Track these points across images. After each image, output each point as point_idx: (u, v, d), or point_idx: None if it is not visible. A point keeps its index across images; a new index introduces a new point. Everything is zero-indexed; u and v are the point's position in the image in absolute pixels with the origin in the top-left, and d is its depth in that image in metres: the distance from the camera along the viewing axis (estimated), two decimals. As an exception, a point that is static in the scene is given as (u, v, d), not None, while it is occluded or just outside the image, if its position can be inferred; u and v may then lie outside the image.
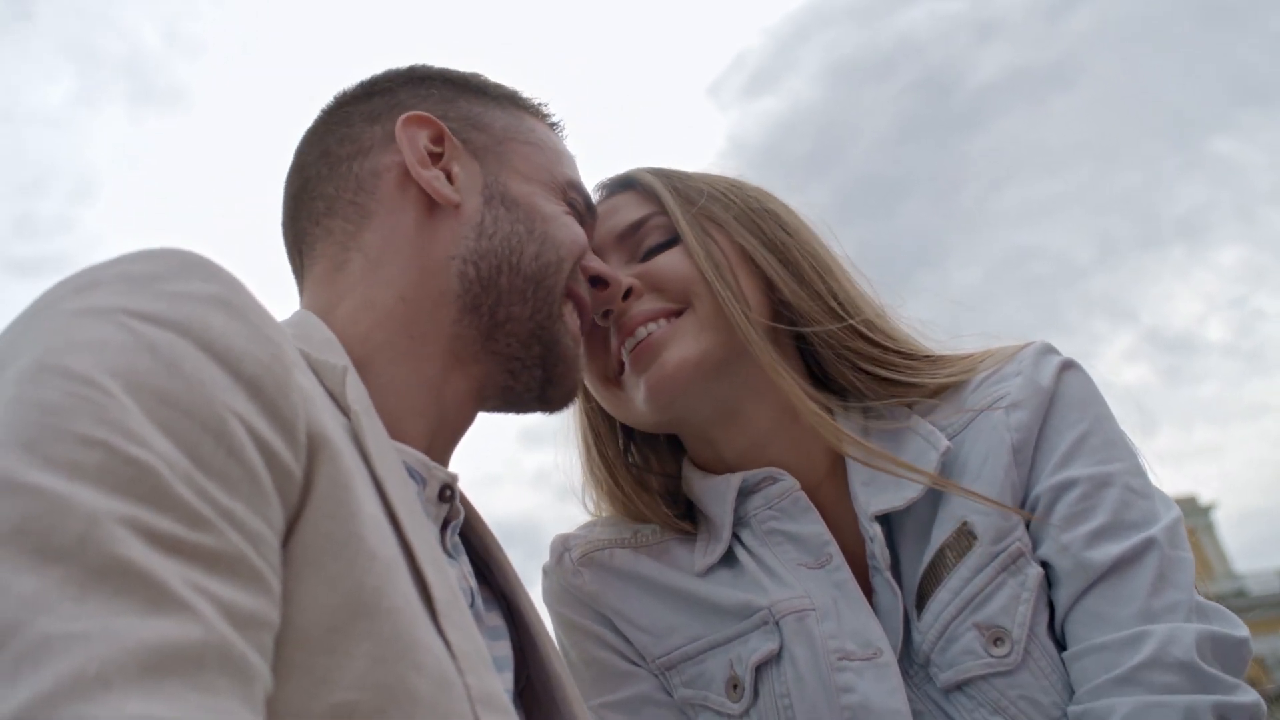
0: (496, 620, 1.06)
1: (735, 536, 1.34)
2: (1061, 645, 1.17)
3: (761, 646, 1.23)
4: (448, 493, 1.00)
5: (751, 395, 1.31)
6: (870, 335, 1.32)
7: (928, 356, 1.35)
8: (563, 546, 1.43)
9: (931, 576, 1.21)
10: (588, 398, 1.46)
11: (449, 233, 1.06)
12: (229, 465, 0.62)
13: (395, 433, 0.95)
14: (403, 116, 1.08)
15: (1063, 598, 1.16)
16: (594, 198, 1.44)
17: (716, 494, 1.34)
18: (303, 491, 0.69)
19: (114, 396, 0.59)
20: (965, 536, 1.20)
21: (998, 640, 1.15)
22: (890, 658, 1.19)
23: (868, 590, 1.26)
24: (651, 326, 1.29)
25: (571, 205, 1.18)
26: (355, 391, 0.86)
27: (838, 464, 1.32)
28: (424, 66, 1.18)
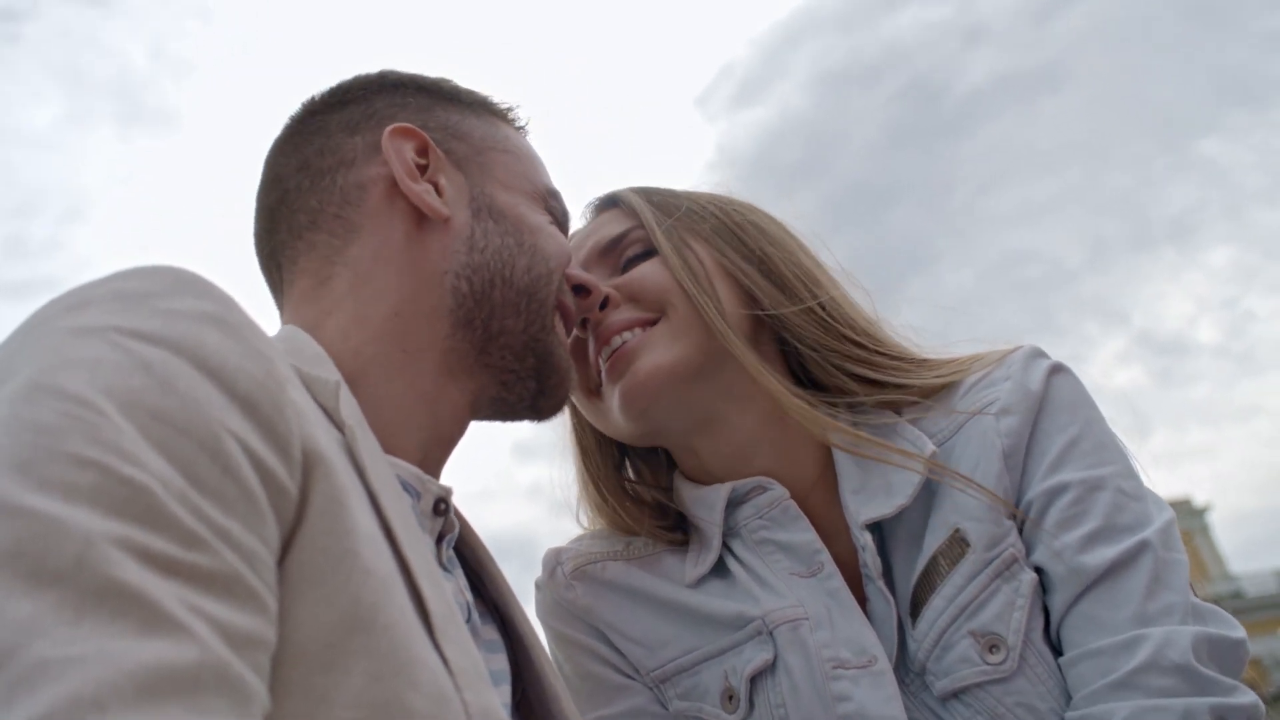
0: (492, 634, 1.05)
1: (727, 547, 1.34)
2: (1057, 651, 1.16)
3: (756, 657, 1.23)
4: (442, 506, 0.99)
5: (733, 403, 1.31)
6: (856, 338, 1.32)
7: (916, 359, 1.35)
8: (555, 560, 1.42)
9: (925, 584, 1.21)
10: (577, 411, 1.46)
11: (440, 247, 1.06)
12: (224, 483, 0.62)
13: (389, 447, 0.95)
14: (389, 128, 1.07)
15: (1057, 603, 1.16)
16: (583, 217, 1.48)
17: (706, 504, 1.34)
18: (298, 509, 0.68)
19: (108, 416, 0.59)
20: (958, 544, 1.19)
21: (993, 647, 1.15)
22: (885, 665, 1.18)
23: (861, 599, 1.26)
24: (626, 335, 1.30)
25: (552, 214, 1.19)
26: (349, 406, 0.86)
27: (827, 472, 1.31)
28: (394, 73, 1.17)
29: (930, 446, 1.25)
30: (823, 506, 1.31)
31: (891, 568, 1.26)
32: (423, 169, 1.08)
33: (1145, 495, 1.20)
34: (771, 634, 1.23)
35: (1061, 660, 1.14)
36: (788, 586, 1.26)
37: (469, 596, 1.01)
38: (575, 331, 1.33)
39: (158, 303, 0.69)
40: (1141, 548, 1.13)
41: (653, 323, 1.30)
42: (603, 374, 1.33)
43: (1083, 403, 1.25)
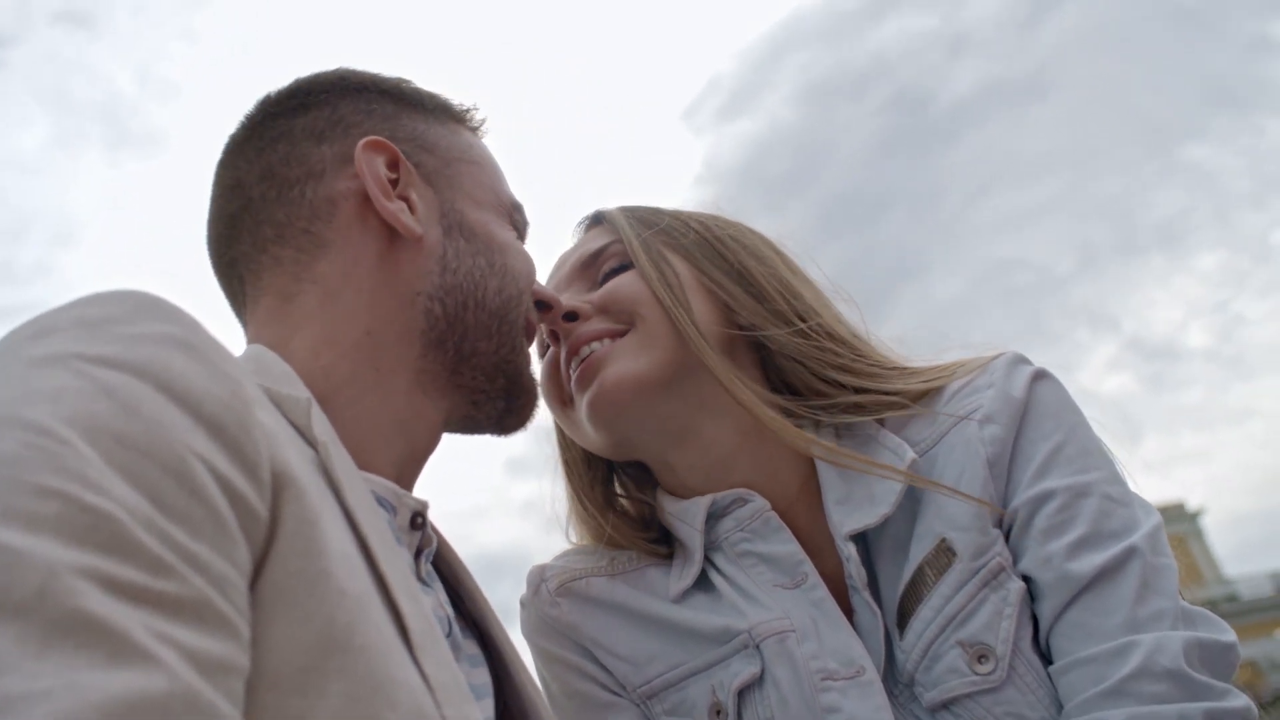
0: (474, 649, 1.04)
1: (710, 561, 1.33)
2: (1047, 659, 1.16)
3: (743, 671, 1.22)
4: (419, 520, 0.98)
5: (707, 415, 1.30)
6: (835, 348, 1.31)
7: (898, 367, 1.35)
8: (539, 577, 1.41)
9: (912, 595, 1.20)
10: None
11: (412, 266, 1.04)
12: (192, 508, 0.61)
13: (363, 464, 0.94)
14: (362, 142, 1.05)
15: (1046, 611, 1.15)
16: (573, 235, 1.50)
17: (686, 518, 1.33)
18: (269, 531, 0.67)
19: (71, 445, 0.58)
20: (944, 553, 1.19)
21: (982, 658, 1.14)
22: (874, 675, 1.18)
23: (847, 610, 1.25)
24: (595, 346, 1.30)
25: (516, 227, 1.18)
26: (320, 424, 0.85)
27: (809, 483, 1.31)
28: (354, 74, 1.14)
29: (910, 454, 1.24)
30: (806, 518, 1.30)
31: (877, 578, 1.25)
32: (393, 183, 1.06)
33: (1132, 500, 1.19)
34: (758, 647, 1.22)
35: (1052, 669, 1.13)
36: (772, 599, 1.25)
37: (449, 610, 1.00)
38: (551, 347, 1.34)
39: (120, 328, 0.68)
40: (1130, 553, 1.12)
41: (623, 334, 1.30)
42: (572, 384, 1.32)
43: (1066, 409, 1.24)
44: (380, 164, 1.05)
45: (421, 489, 1.08)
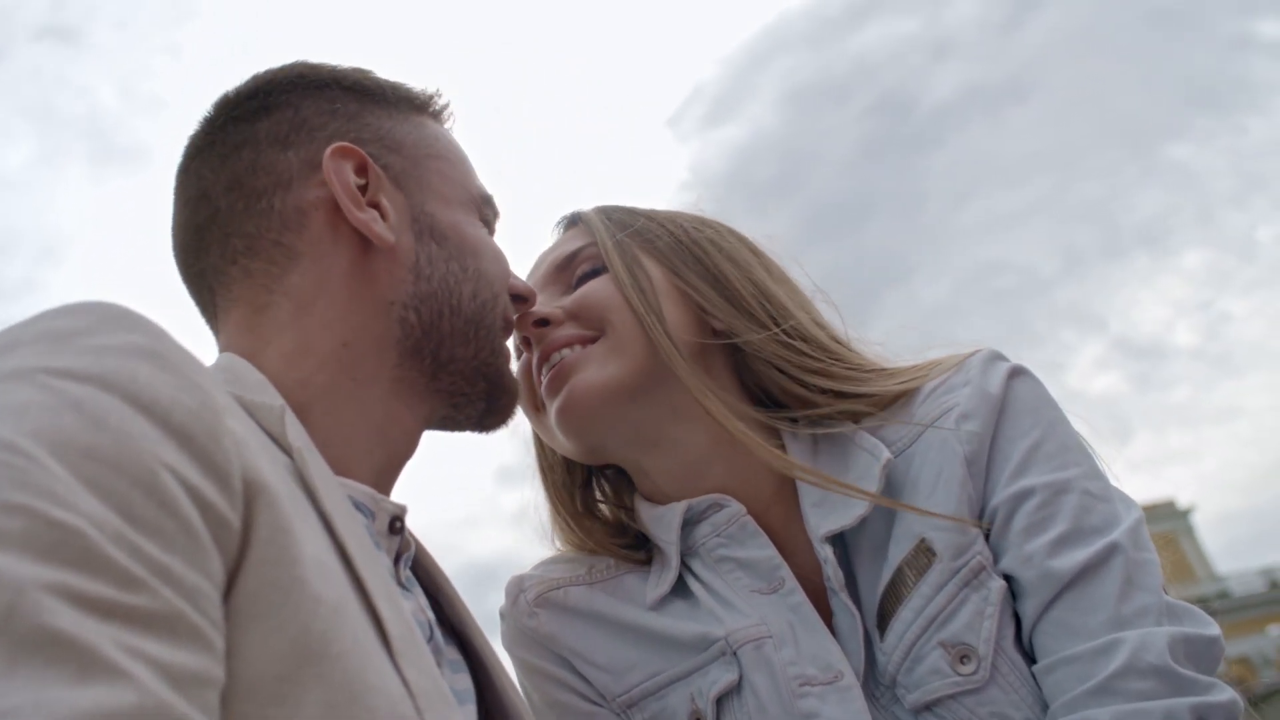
0: (455, 654, 1.04)
1: (687, 567, 1.32)
2: (1030, 657, 1.15)
3: (721, 678, 1.21)
4: (398, 524, 0.98)
5: (680, 422, 1.29)
6: (810, 351, 1.30)
7: (875, 368, 1.34)
8: (518, 588, 1.40)
9: (892, 596, 1.19)
10: None
11: (386, 275, 1.03)
12: (162, 519, 0.60)
13: (341, 471, 0.93)
14: (329, 151, 1.03)
15: (1029, 609, 1.14)
16: (551, 235, 1.49)
17: (662, 524, 1.32)
18: (241, 541, 0.66)
19: (36, 460, 0.57)
20: (924, 554, 1.18)
21: (964, 658, 1.13)
22: (852, 680, 1.17)
23: (826, 613, 1.24)
24: (565, 352, 1.29)
25: (486, 222, 1.17)
26: (295, 430, 0.85)
27: (785, 486, 1.30)
28: (313, 69, 1.11)
29: (886, 454, 1.23)
30: (783, 521, 1.29)
31: (856, 579, 1.24)
32: (362, 189, 1.04)
33: (1112, 495, 1.18)
34: (735, 654, 1.21)
35: (1036, 668, 1.13)
36: (749, 605, 1.24)
37: (430, 615, 1.00)
38: (524, 352, 1.34)
39: (86, 340, 0.68)
40: (1112, 550, 1.11)
41: (593, 340, 1.29)
42: (543, 391, 1.32)
43: (1044, 405, 1.24)
44: (348, 170, 1.03)
45: (411, 497, 1.07)
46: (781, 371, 1.29)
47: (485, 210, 1.17)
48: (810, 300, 1.39)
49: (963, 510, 1.18)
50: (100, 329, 0.69)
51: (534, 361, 1.33)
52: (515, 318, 1.21)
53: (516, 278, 1.22)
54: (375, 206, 1.04)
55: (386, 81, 1.15)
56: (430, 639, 0.96)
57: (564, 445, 1.35)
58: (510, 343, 1.19)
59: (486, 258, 1.11)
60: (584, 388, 1.25)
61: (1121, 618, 1.08)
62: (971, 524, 1.17)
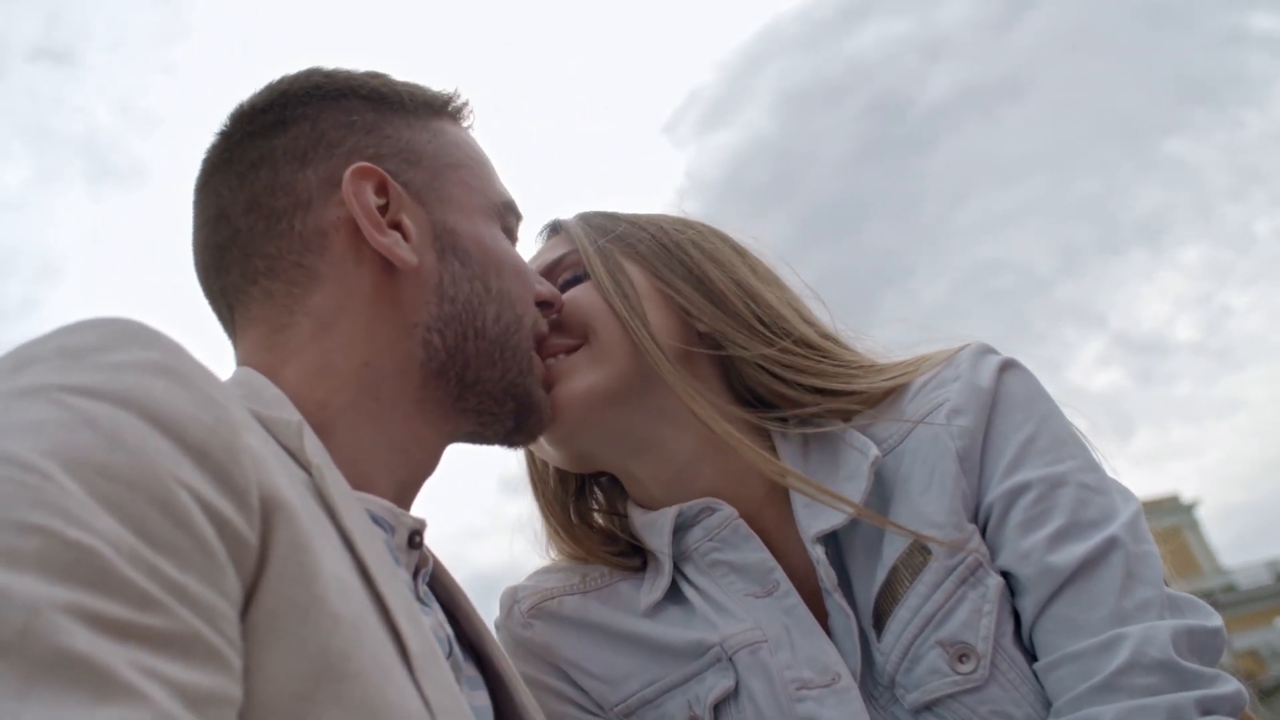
0: (472, 670, 1.03)
1: (680, 573, 1.31)
2: (1029, 654, 1.14)
3: (718, 684, 1.20)
4: (417, 539, 0.98)
5: (667, 426, 1.28)
6: (796, 350, 1.28)
7: (864, 365, 1.32)
8: (512, 599, 1.39)
9: (888, 595, 1.18)
10: None
11: (410, 297, 1.02)
12: (178, 538, 0.60)
13: (361, 486, 0.93)
14: (349, 172, 1.01)
15: (1029, 606, 1.13)
16: (535, 242, 1.47)
17: (654, 529, 1.30)
18: (259, 558, 0.66)
19: (52, 478, 0.57)
20: (920, 551, 1.17)
21: (963, 656, 1.12)
22: (850, 682, 1.16)
23: (822, 614, 1.23)
24: (550, 361, 1.27)
25: (508, 229, 1.16)
26: (313, 446, 0.84)
27: (777, 487, 1.28)
28: (328, 78, 1.09)
29: (874, 451, 1.22)
30: (775, 523, 1.28)
31: (850, 579, 1.23)
32: (383, 209, 1.02)
33: (1109, 487, 1.18)
34: (731, 659, 1.20)
35: (1038, 665, 1.12)
36: (744, 609, 1.23)
37: (449, 630, 0.99)
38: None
39: (102, 356, 0.67)
40: (1111, 544, 1.10)
41: (577, 348, 1.28)
42: None
43: (1037, 398, 1.22)
44: (368, 191, 1.02)
45: (414, 509, 1.06)
46: (768, 372, 1.28)
47: (508, 217, 1.15)
48: (798, 298, 1.38)
49: (956, 508, 1.17)
50: (116, 345, 0.68)
51: None
52: (545, 329, 1.20)
53: (540, 281, 1.21)
54: (397, 226, 1.03)
55: (404, 86, 1.12)
56: (449, 655, 0.95)
57: (551, 455, 1.34)
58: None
59: (509, 275, 1.10)
60: (568, 397, 1.24)
61: (1123, 612, 1.07)
62: (940, 543, 1.16)
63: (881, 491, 1.23)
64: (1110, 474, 1.20)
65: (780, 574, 1.24)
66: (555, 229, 1.44)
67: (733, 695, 1.20)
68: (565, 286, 1.33)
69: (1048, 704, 1.11)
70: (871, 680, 1.19)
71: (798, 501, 1.25)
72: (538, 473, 1.46)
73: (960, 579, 1.15)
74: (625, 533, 1.40)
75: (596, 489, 1.48)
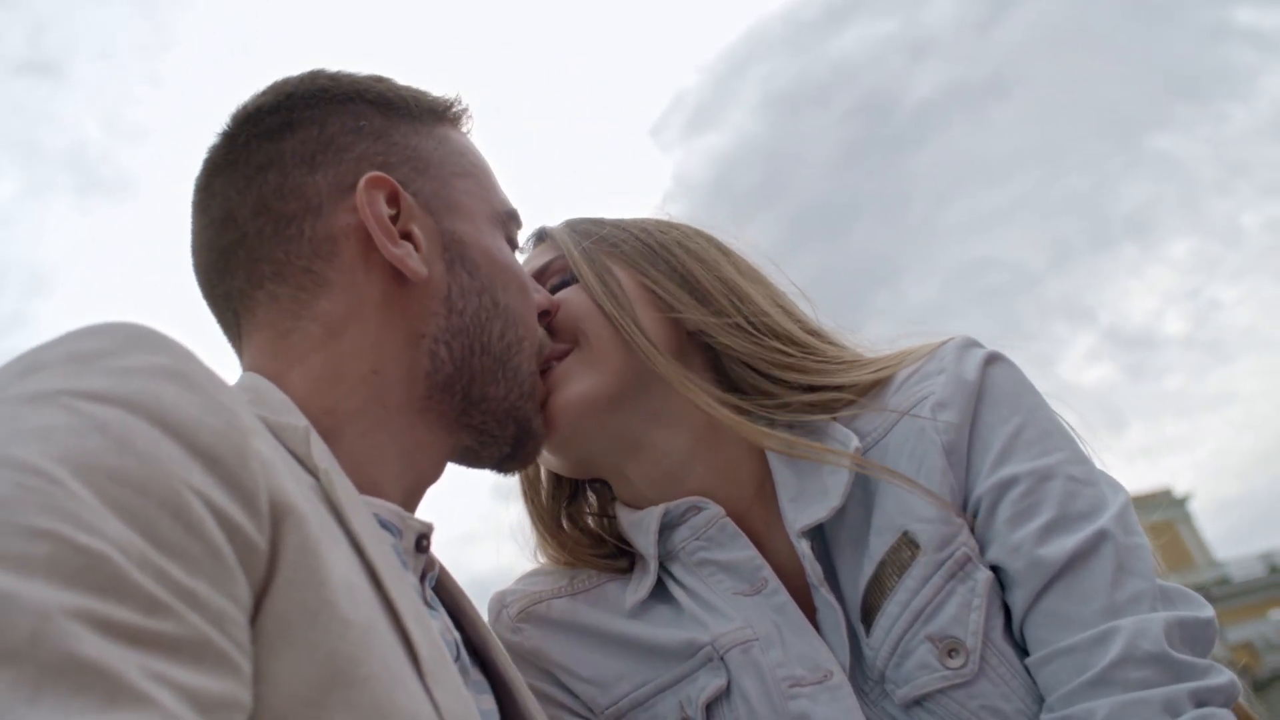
0: (478, 674, 1.03)
1: (668, 572, 1.31)
2: (1019, 648, 1.14)
3: (709, 684, 1.20)
4: (424, 542, 0.98)
5: (660, 425, 1.29)
6: (780, 346, 1.29)
7: (847, 360, 1.32)
8: (500, 604, 1.39)
9: (877, 589, 1.18)
10: None
11: (418, 307, 1.02)
12: (188, 543, 0.60)
13: (369, 491, 0.93)
14: (363, 182, 1.00)
15: (1019, 600, 1.13)
16: (522, 250, 1.45)
17: (640, 528, 1.30)
18: (269, 563, 0.66)
19: (61, 484, 0.57)
20: (908, 546, 1.16)
21: (952, 651, 1.12)
22: (841, 678, 1.16)
23: (811, 610, 1.23)
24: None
25: (510, 239, 1.16)
26: (320, 450, 0.84)
27: (765, 485, 1.28)
28: (332, 80, 1.08)
29: (855, 442, 1.22)
30: (763, 521, 1.28)
31: (837, 574, 1.23)
32: (394, 218, 1.02)
33: (1097, 479, 1.17)
34: (723, 659, 1.20)
35: (1030, 660, 1.12)
36: (733, 607, 1.23)
37: (456, 634, 0.99)
38: None
39: (111, 361, 0.67)
40: (1101, 536, 1.10)
41: (567, 353, 1.28)
42: None
43: (1023, 390, 1.22)
44: (381, 201, 1.01)
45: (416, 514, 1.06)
46: (754, 369, 1.29)
47: (510, 226, 1.16)
48: (783, 295, 1.38)
49: (945, 500, 1.17)
50: (125, 350, 0.68)
51: None
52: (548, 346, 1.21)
53: (538, 289, 1.21)
54: (408, 236, 1.03)
55: (408, 91, 1.12)
56: (457, 659, 0.95)
57: (551, 462, 1.34)
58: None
59: (514, 291, 1.10)
60: (564, 404, 1.24)
61: (1115, 605, 1.07)
62: (946, 504, 1.16)
63: (864, 484, 1.23)
64: (1099, 465, 1.20)
65: (769, 571, 1.24)
66: (541, 236, 1.45)
67: (724, 695, 1.20)
68: (553, 291, 1.34)
69: (1038, 698, 1.11)
70: (861, 676, 1.19)
71: (783, 497, 1.25)
72: (529, 478, 1.46)
73: (949, 573, 1.15)
74: (614, 535, 1.40)
75: (590, 492, 1.48)
